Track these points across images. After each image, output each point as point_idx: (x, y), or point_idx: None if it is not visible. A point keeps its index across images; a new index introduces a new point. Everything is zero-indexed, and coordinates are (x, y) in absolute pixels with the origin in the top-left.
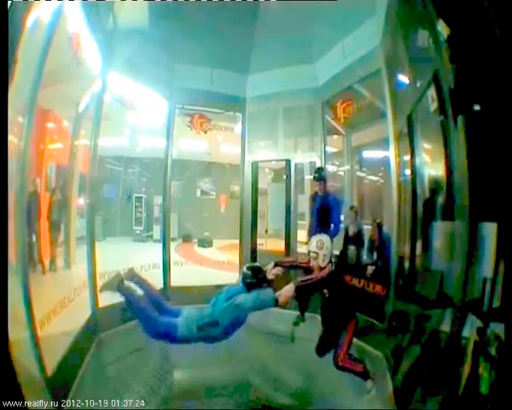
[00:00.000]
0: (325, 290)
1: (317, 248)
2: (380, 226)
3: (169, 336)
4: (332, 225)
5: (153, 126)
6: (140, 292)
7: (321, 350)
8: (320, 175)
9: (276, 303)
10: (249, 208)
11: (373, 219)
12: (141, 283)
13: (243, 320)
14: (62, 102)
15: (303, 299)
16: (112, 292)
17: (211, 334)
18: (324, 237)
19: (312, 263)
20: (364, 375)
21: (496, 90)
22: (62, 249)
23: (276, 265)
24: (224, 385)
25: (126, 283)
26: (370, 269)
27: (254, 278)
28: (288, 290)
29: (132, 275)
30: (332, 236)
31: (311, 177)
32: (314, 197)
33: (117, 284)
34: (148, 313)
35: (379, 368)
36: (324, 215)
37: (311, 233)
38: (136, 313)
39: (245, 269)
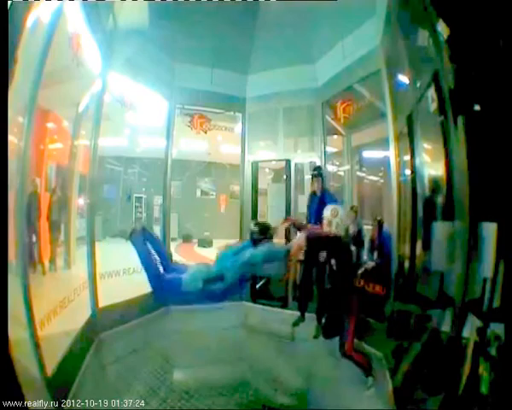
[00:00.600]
0: (333, 262)
1: (331, 216)
2: (380, 224)
3: (173, 289)
4: None
5: (153, 126)
6: (149, 246)
7: (327, 332)
8: (318, 172)
9: (287, 257)
10: (249, 208)
11: (373, 216)
12: (151, 238)
13: (249, 278)
14: (62, 102)
15: (309, 257)
16: (124, 239)
17: (215, 290)
18: (339, 207)
19: (325, 229)
20: (368, 370)
21: (496, 90)
22: (62, 249)
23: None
24: (224, 385)
25: (138, 236)
26: (369, 265)
27: (261, 234)
28: (299, 239)
29: (143, 229)
30: None
31: (311, 176)
32: (312, 197)
33: (129, 234)
34: (155, 265)
35: (379, 368)
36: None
37: None
38: (143, 265)
39: (252, 226)
